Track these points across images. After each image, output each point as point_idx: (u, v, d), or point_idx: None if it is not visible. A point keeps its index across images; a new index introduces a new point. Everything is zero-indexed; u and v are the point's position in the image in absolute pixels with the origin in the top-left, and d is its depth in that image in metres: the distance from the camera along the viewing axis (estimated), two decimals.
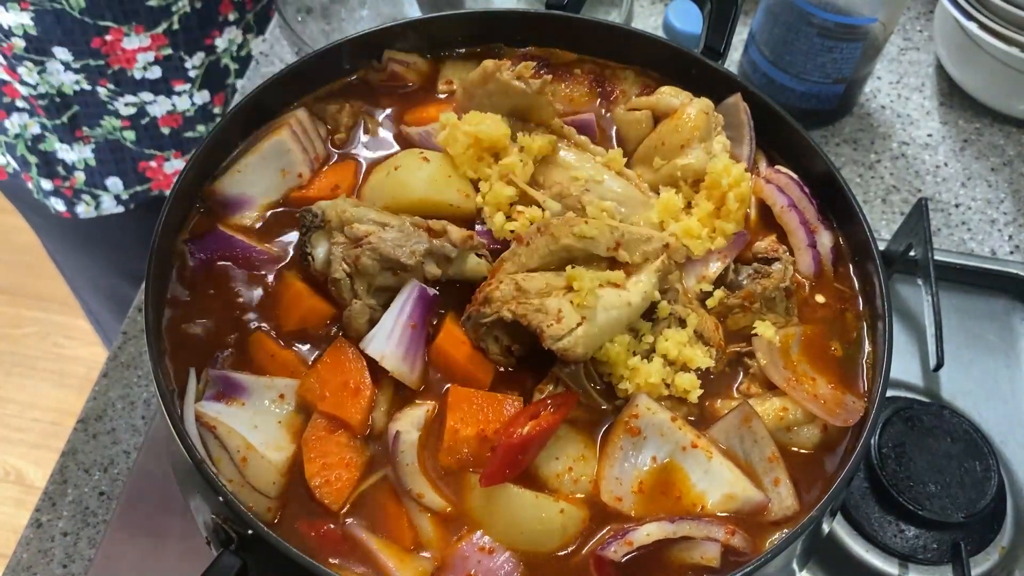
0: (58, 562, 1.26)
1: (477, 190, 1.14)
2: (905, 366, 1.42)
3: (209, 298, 1.08)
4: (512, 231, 1.10)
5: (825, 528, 1.07)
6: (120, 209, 1.71)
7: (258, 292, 1.10)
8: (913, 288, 1.43)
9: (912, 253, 1.31)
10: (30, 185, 1.67)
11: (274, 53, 1.79)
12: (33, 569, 1.26)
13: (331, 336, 1.06)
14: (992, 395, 1.41)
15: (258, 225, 1.15)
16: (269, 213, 1.16)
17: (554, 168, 1.17)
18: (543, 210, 1.12)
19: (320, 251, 1.07)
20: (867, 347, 1.11)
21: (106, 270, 1.95)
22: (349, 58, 1.27)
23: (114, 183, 1.68)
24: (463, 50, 1.32)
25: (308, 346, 1.06)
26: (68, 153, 1.61)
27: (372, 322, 1.05)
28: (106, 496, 1.31)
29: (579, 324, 0.98)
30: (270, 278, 1.11)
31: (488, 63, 1.17)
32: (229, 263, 1.11)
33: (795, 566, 1.03)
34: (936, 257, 1.30)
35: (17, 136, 1.58)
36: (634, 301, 1.02)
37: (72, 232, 1.83)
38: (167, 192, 1.68)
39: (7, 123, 1.60)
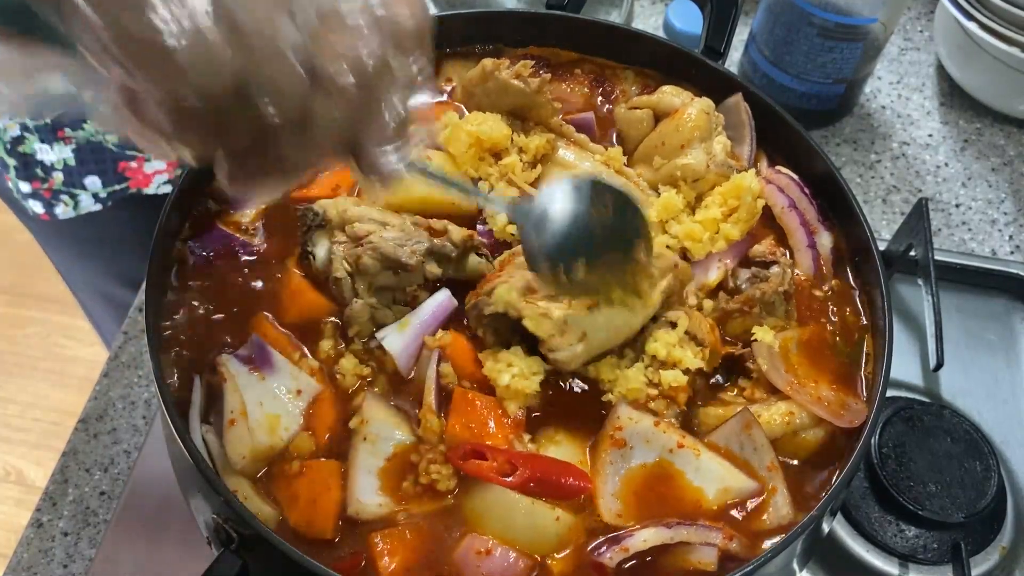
0: (59, 562, 1.26)
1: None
2: (905, 366, 1.41)
3: (209, 296, 1.08)
4: (513, 234, 1.11)
5: (825, 528, 1.07)
6: (98, 207, 1.70)
7: (259, 290, 1.10)
8: (913, 288, 1.43)
9: (912, 253, 1.31)
10: (10, 185, 1.67)
11: None
12: (34, 569, 1.26)
13: (331, 335, 1.07)
14: (992, 395, 1.41)
15: (257, 223, 1.15)
16: (270, 212, 1.16)
17: (553, 167, 1.17)
18: None
19: (321, 250, 1.07)
20: (867, 348, 1.11)
21: (101, 273, 1.95)
22: None
23: (92, 182, 1.66)
24: (463, 49, 1.32)
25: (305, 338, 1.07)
26: (48, 154, 1.59)
27: (374, 320, 1.05)
28: (107, 496, 1.31)
29: (580, 341, 0.99)
30: (270, 275, 1.11)
31: (487, 62, 1.17)
32: (229, 261, 1.11)
33: (795, 566, 1.03)
34: (936, 257, 1.30)
35: None
36: (635, 323, 1.03)
37: (62, 233, 1.82)
38: (145, 191, 1.69)
39: None
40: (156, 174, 1.70)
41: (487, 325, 1.04)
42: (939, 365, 1.26)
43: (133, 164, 1.67)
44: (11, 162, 1.59)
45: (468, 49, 1.31)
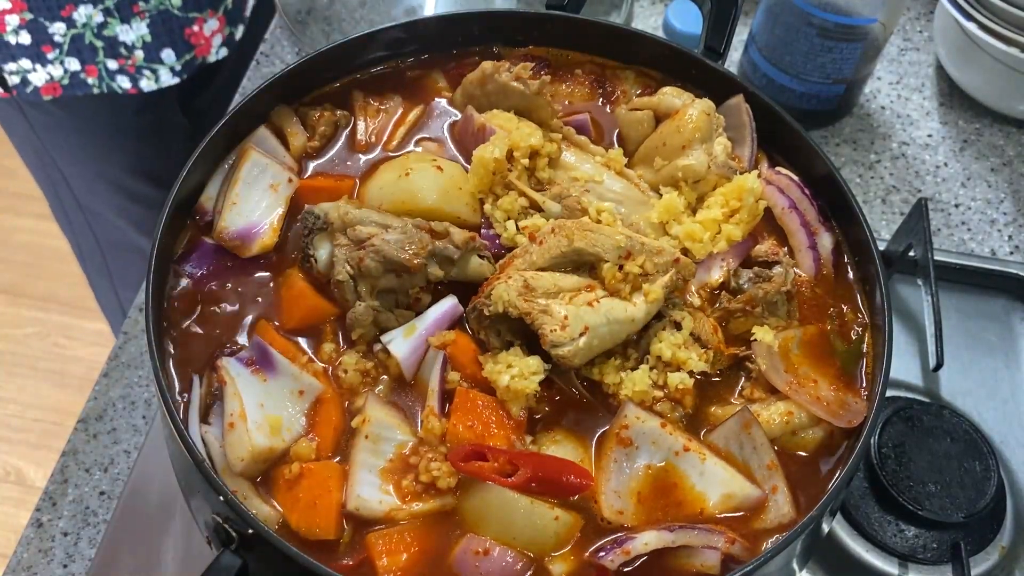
0: (58, 562, 1.26)
1: (480, 203, 1.14)
2: (905, 366, 1.42)
3: (211, 299, 1.08)
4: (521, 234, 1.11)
5: (825, 528, 1.07)
6: (176, 80, 1.86)
7: (260, 294, 1.10)
8: (913, 288, 1.43)
9: (912, 253, 1.31)
10: (91, 80, 1.82)
11: (274, 53, 1.79)
12: (33, 569, 1.26)
13: (333, 338, 1.07)
14: (992, 395, 1.41)
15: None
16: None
17: (558, 170, 1.17)
18: (543, 212, 1.12)
19: (323, 253, 1.07)
20: (867, 347, 1.11)
21: (110, 162, 2.06)
22: (349, 59, 1.27)
23: (168, 55, 1.83)
24: (463, 50, 1.31)
25: (308, 342, 1.07)
26: (128, 34, 1.77)
27: (376, 324, 1.05)
28: (106, 496, 1.31)
29: (582, 334, 0.99)
30: (271, 279, 1.11)
31: (487, 64, 1.17)
32: (227, 268, 1.10)
33: (795, 566, 1.03)
34: (936, 257, 1.31)
35: (84, 25, 1.74)
36: (638, 318, 1.04)
37: (78, 126, 1.95)
38: (208, 59, 1.87)
39: (75, 15, 1.74)
40: (214, 35, 1.86)
41: (488, 327, 1.04)
42: (939, 365, 1.26)
43: (195, 28, 1.83)
44: (99, 44, 1.78)
45: (468, 50, 1.31)
